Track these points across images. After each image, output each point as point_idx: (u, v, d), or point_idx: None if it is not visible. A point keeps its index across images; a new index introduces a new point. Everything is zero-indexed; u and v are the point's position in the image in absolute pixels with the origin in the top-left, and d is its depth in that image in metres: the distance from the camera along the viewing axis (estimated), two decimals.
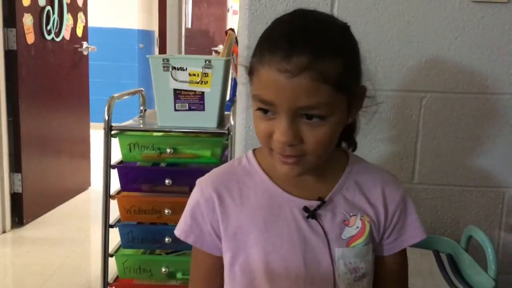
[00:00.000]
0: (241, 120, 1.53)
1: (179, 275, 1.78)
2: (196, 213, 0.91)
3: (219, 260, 0.92)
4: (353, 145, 0.98)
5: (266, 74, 0.78)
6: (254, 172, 0.91)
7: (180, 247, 1.80)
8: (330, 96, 0.77)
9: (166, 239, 1.74)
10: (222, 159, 1.76)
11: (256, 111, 0.82)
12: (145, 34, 6.54)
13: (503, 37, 1.45)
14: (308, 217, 0.87)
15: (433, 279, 1.37)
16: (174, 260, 1.80)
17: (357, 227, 0.88)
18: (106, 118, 1.71)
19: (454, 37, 1.46)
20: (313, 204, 0.87)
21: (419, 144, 1.53)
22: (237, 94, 1.56)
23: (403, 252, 0.95)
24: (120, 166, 1.75)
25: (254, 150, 0.95)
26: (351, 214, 0.89)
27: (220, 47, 6.29)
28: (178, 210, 1.72)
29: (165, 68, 1.69)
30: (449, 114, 1.50)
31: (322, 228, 0.87)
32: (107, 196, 1.73)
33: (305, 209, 0.87)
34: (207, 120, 1.72)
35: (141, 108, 2.08)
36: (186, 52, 5.23)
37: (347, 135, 0.95)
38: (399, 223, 0.92)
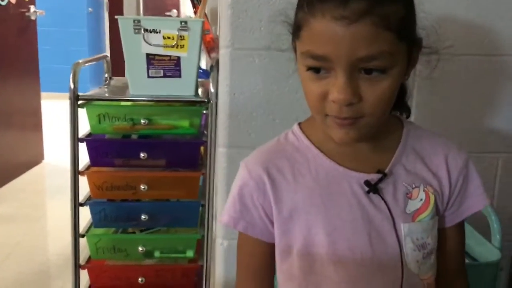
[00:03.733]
0: (225, 87, 1.41)
1: (157, 254, 1.66)
2: (245, 196, 0.82)
3: (271, 247, 0.84)
4: (406, 111, 0.89)
5: (318, 25, 0.69)
6: (305, 148, 0.83)
7: (157, 224, 1.69)
8: (392, 45, 0.68)
9: (143, 217, 1.62)
10: (200, 130, 1.64)
11: (306, 72, 0.73)
12: None
13: None
14: (369, 191, 0.78)
15: None
16: (152, 238, 1.68)
17: (421, 200, 0.81)
18: (72, 86, 1.54)
19: None
20: (373, 177, 0.79)
21: (413, 110, 1.45)
22: (220, 58, 1.43)
23: (463, 222, 0.88)
24: (89, 139, 1.60)
25: (299, 124, 0.86)
26: (414, 185, 0.81)
27: (174, 12, 6.06)
28: (155, 185, 1.61)
29: (136, 31, 1.54)
30: (445, 77, 1.43)
31: (385, 203, 0.78)
32: (75, 172, 1.59)
33: (366, 183, 0.78)
34: (184, 87, 1.58)
35: (106, 75, 1.92)
36: None
37: (398, 99, 0.85)
38: (461, 191, 0.84)
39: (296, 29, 0.74)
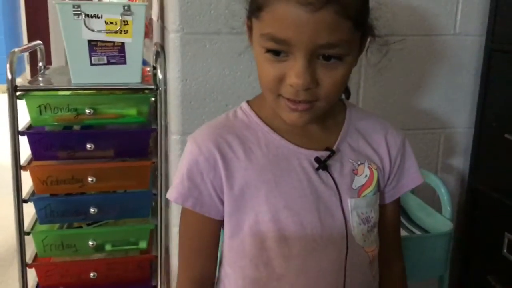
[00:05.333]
0: (176, 73, 1.38)
1: (108, 247, 1.61)
2: (195, 173, 0.81)
3: (218, 225, 0.84)
4: (346, 92, 0.93)
5: (282, 8, 0.68)
6: (254, 125, 0.83)
7: (107, 217, 1.63)
8: (350, 34, 0.70)
9: (91, 210, 1.56)
10: (149, 118, 1.60)
11: (265, 54, 0.73)
12: None
13: None
14: (318, 168, 0.81)
15: None
16: (102, 231, 1.63)
17: (366, 176, 0.84)
18: (9, 76, 1.45)
19: None
20: (322, 154, 0.82)
21: (361, 90, 1.49)
22: (169, 44, 1.40)
23: (399, 199, 0.93)
24: (31, 132, 1.51)
25: (248, 102, 0.87)
26: (359, 162, 0.84)
27: None
28: (103, 177, 1.55)
29: (76, 16, 1.47)
30: (391, 57, 1.47)
31: (333, 179, 0.81)
32: (17, 168, 1.50)
33: (317, 160, 0.81)
34: (129, 74, 1.53)
35: (40, 64, 1.82)
36: None
37: None
38: (400, 168, 0.89)
39: (256, 9, 0.73)
